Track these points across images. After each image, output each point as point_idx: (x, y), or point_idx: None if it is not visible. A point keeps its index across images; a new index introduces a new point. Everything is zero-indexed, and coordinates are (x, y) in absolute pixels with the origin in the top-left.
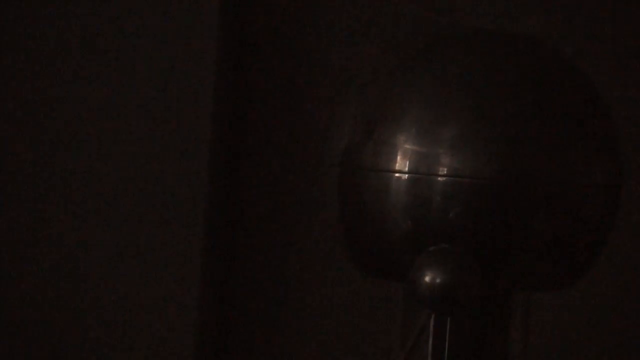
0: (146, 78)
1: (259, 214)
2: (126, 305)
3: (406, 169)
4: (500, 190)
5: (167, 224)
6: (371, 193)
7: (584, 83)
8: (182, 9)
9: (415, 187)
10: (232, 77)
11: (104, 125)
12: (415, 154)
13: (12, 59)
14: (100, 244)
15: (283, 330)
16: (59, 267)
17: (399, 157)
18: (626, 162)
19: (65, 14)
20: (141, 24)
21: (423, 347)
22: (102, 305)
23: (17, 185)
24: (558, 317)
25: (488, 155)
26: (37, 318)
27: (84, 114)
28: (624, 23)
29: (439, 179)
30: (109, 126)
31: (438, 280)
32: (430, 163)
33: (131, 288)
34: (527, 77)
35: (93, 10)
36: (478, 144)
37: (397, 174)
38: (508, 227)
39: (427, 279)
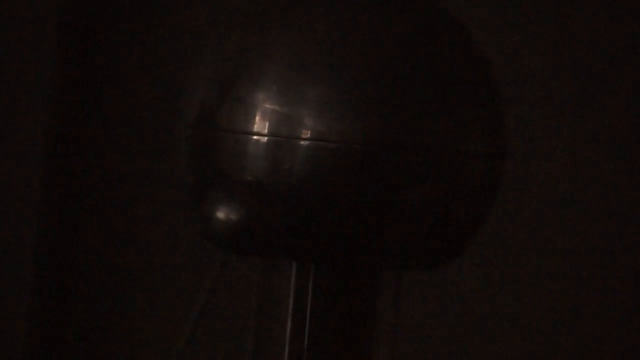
0: None
1: (104, 181)
2: None
3: (265, 131)
4: (370, 156)
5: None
6: (227, 157)
7: (468, 44)
8: None
9: (276, 151)
10: (75, 31)
11: None
12: (276, 115)
13: None
14: None
15: (120, 323)
16: None
17: (257, 118)
18: (509, 133)
19: None
20: None
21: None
22: None
23: None
24: (430, 298)
25: (357, 117)
26: None
27: None
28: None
29: (302, 142)
30: None
31: (232, 217)
32: (293, 125)
33: None
34: (403, 33)
35: None
36: (346, 106)
37: (255, 137)
38: (377, 197)
39: (220, 215)
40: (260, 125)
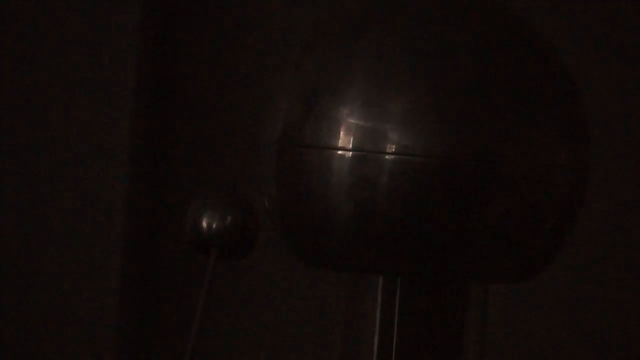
0: (65, 69)
1: (188, 195)
2: (45, 303)
3: (350, 145)
4: (455, 169)
5: (87, 212)
6: (311, 173)
7: (551, 55)
8: None
9: (360, 166)
10: (157, 47)
11: (24, 125)
12: (360, 129)
13: None
14: (20, 243)
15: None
16: None
17: (341, 133)
18: (594, 142)
19: None
20: (61, 21)
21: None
22: (24, 304)
23: None
24: (517, 312)
25: (441, 131)
26: None
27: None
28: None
29: (387, 157)
30: (28, 126)
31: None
32: (377, 139)
33: (50, 286)
34: (488, 45)
35: (12, 8)
36: (430, 119)
37: (339, 152)
38: (463, 210)
39: (204, 223)
40: (344, 140)
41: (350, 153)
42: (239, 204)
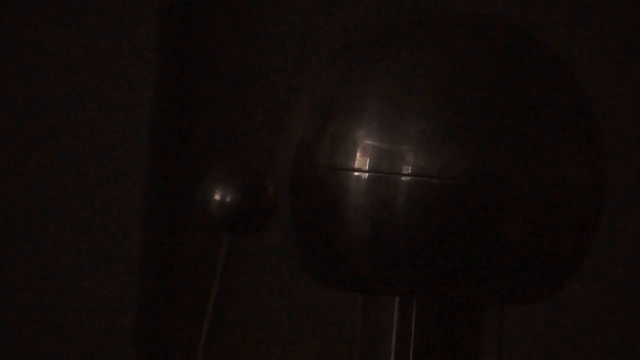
0: (84, 84)
1: None
2: (62, 302)
3: (366, 167)
4: (472, 191)
5: (104, 229)
6: (327, 194)
7: (566, 76)
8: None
9: (377, 187)
10: (174, 65)
11: (40, 122)
12: (376, 151)
13: None
14: (35, 242)
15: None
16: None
17: (358, 154)
18: (610, 163)
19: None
20: (81, 23)
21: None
22: (37, 303)
23: None
24: (534, 332)
25: (458, 152)
26: None
27: (20, 109)
28: (608, 13)
29: (403, 178)
30: (45, 124)
31: (228, 199)
32: (393, 161)
33: (67, 286)
34: (503, 66)
35: (31, 6)
36: (447, 140)
37: (356, 173)
38: (479, 231)
39: (217, 197)
40: (360, 162)
41: (367, 174)
42: (251, 181)
